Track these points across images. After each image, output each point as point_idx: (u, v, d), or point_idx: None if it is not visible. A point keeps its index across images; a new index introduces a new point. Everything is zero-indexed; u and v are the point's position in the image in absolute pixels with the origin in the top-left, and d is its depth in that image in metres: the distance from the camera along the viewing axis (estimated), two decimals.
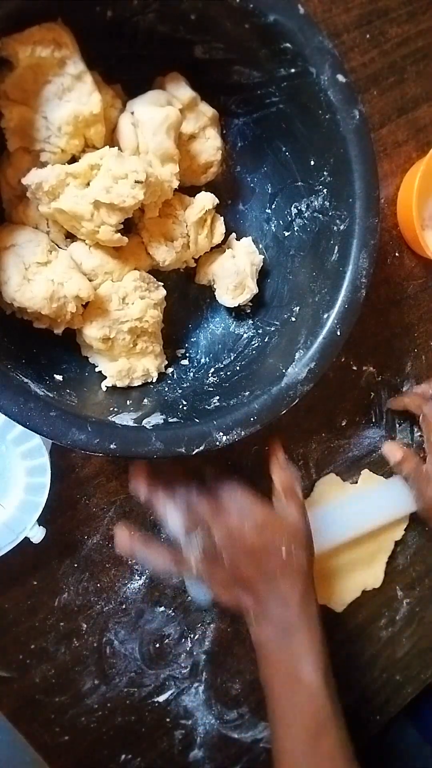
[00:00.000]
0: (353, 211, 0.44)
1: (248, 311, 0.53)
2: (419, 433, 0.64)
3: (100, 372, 0.48)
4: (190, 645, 0.58)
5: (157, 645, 0.57)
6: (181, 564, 0.46)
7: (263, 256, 0.52)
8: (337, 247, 0.46)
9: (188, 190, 0.50)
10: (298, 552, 0.47)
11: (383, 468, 0.63)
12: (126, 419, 0.43)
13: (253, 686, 0.59)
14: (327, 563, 0.61)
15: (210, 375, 0.51)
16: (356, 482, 0.62)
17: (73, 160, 0.44)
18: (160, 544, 0.47)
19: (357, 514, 0.60)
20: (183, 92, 0.47)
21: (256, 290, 0.51)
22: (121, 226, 0.43)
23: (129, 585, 0.56)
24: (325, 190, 0.47)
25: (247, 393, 0.45)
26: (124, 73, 0.46)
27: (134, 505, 0.55)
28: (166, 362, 0.51)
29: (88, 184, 0.42)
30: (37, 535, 0.49)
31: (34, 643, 0.54)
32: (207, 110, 0.48)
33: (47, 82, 0.41)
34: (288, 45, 0.42)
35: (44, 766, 0.54)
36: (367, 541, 0.62)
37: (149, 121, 0.43)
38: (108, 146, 0.43)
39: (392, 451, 0.60)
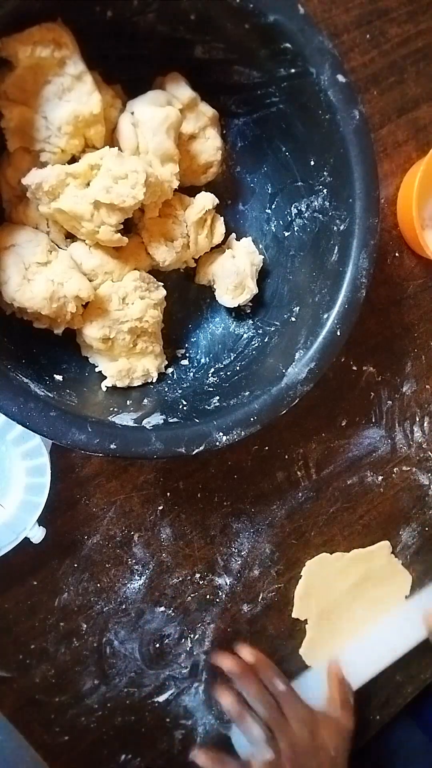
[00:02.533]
0: (353, 211, 0.44)
1: (248, 311, 0.53)
2: (419, 433, 0.65)
3: (100, 372, 0.48)
4: (190, 645, 0.58)
5: (157, 645, 0.57)
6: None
7: (263, 256, 0.52)
8: (337, 247, 0.46)
9: (188, 190, 0.50)
10: (343, 753, 0.55)
11: (383, 468, 0.63)
12: (126, 419, 0.43)
13: None
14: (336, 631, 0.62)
15: (210, 375, 0.51)
16: (347, 551, 0.63)
17: (73, 160, 0.44)
18: (233, 762, 0.54)
19: (378, 652, 0.62)
20: (183, 92, 0.47)
21: (256, 290, 0.51)
22: (121, 226, 0.43)
23: (129, 585, 0.56)
24: (325, 190, 0.47)
25: (247, 393, 0.45)
26: (124, 73, 0.46)
27: (134, 505, 0.55)
28: (166, 362, 0.51)
29: (88, 184, 0.42)
30: (37, 535, 0.49)
31: (34, 643, 0.54)
32: (207, 110, 0.48)
33: (47, 82, 0.41)
34: (288, 45, 0.42)
35: (44, 766, 0.54)
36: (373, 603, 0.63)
37: (149, 121, 0.43)
38: (108, 146, 0.43)
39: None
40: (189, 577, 0.58)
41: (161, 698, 0.57)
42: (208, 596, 0.58)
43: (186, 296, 0.54)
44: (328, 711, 0.56)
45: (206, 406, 0.46)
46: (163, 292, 0.48)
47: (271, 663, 0.57)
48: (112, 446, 0.39)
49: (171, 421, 0.44)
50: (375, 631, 0.62)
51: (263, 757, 0.52)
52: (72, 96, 0.41)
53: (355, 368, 0.62)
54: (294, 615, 0.60)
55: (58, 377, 0.45)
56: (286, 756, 0.52)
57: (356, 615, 0.62)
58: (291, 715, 0.54)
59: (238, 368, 0.50)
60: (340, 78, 0.42)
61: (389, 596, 0.64)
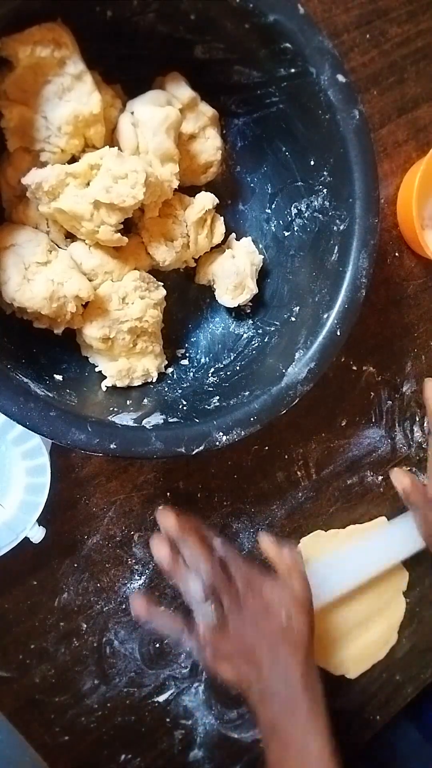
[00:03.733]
0: (353, 211, 0.44)
1: (248, 311, 0.53)
2: (419, 433, 0.65)
3: (100, 372, 0.48)
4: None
5: (157, 645, 0.57)
6: (189, 629, 0.48)
7: (263, 256, 0.52)
8: (337, 247, 0.46)
9: (188, 190, 0.50)
10: (298, 617, 0.49)
11: (383, 468, 0.63)
12: (126, 419, 0.43)
13: None
14: (334, 624, 0.61)
15: (210, 375, 0.51)
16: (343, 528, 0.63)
17: (73, 160, 0.44)
18: (171, 613, 0.50)
19: (351, 564, 0.60)
20: (183, 92, 0.47)
21: (255, 290, 0.51)
22: (121, 226, 0.43)
23: (129, 585, 0.56)
24: (325, 190, 0.47)
25: (247, 393, 0.45)
26: (124, 73, 0.46)
27: (134, 505, 0.55)
28: (166, 362, 0.51)
29: (88, 184, 0.42)
30: (37, 535, 0.49)
31: (34, 643, 0.54)
32: (207, 110, 0.48)
33: (47, 82, 0.41)
34: (288, 45, 0.42)
35: (44, 766, 0.54)
36: (371, 597, 0.62)
37: (149, 121, 0.43)
38: (108, 146, 0.43)
39: (401, 477, 0.59)
40: None
41: (161, 698, 0.57)
42: None
43: (186, 296, 0.54)
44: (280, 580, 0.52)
45: (206, 406, 0.46)
46: (163, 292, 0.48)
47: (209, 529, 0.51)
48: (112, 446, 0.39)
49: (171, 420, 0.44)
50: (354, 546, 0.61)
51: (204, 616, 0.48)
52: (72, 96, 0.41)
53: (355, 368, 0.62)
54: None
55: (58, 377, 0.45)
56: (230, 611, 0.48)
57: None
58: (234, 572, 0.49)
59: (238, 368, 0.50)
60: (340, 78, 0.42)
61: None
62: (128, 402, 0.47)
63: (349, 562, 0.60)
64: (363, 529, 0.63)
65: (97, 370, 0.49)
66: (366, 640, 0.62)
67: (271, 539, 0.54)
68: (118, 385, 0.48)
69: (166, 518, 0.50)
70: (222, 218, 0.51)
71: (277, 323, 0.50)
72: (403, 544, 0.62)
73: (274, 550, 0.53)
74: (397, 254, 0.62)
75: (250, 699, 0.48)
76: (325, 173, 0.46)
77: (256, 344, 0.51)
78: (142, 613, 0.49)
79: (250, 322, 0.53)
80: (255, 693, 0.48)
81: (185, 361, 0.52)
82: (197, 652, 0.48)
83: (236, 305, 0.52)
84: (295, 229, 0.51)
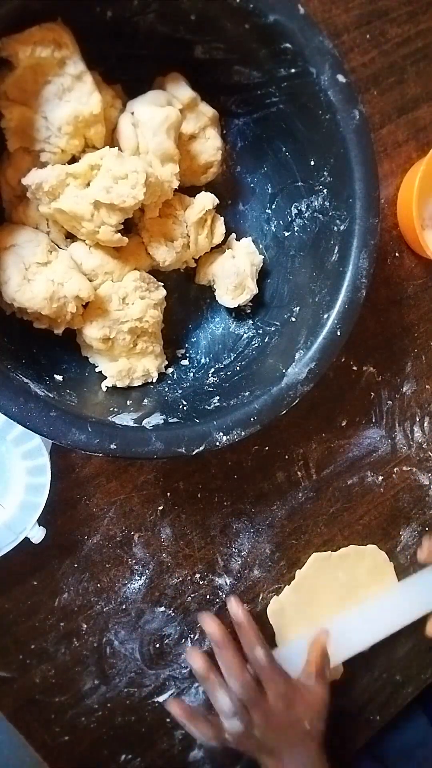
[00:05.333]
0: (353, 212, 0.44)
1: (248, 311, 0.53)
2: (419, 433, 0.65)
3: (100, 372, 0.48)
4: (190, 645, 0.58)
5: (157, 645, 0.57)
6: (220, 735, 0.53)
7: (263, 257, 0.52)
8: (337, 247, 0.46)
9: (188, 190, 0.50)
10: (318, 723, 0.54)
11: (383, 468, 0.63)
12: (126, 419, 0.43)
13: None
14: None
15: (210, 375, 0.51)
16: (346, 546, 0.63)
17: (73, 160, 0.44)
18: (203, 719, 0.53)
19: (364, 631, 0.61)
20: (183, 92, 0.47)
21: (256, 290, 0.51)
22: (121, 226, 0.43)
23: (129, 585, 0.56)
24: (325, 190, 0.47)
25: (247, 393, 0.45)
26: (124, 73, 0.46)
27: (134, 505, 0.55)
28: (166, 362, 0.51)
29: (88, 184, 0.42)
30: (37, 535, 0.49)
31: (34, 643, 0.54)
32: (207, 110, 0.48)
33: (47, 82, 0.41)
34: (288, 45, 0.42)
35: (44, 766, 0.54)
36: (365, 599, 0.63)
37: (149, 121, 0.43)
38: (108, 146, 0.43)
39: (428, 554, 0.62)
40: (189, 577, 0.58)
41: (161, 698, 0.57)
42: (208, 596, 0.58)
43: (186, 296, 0.54)
44: (303, 680, 0.55)
45: (206, 406, 0.46)
46: (163, 292, 0.48)
47: (255, 627, 0.55)
48: (112, 446, 0.39)
49: (171, 421, 0.44)
50: (365, 607, 0.61)
51: (231, 727, 0.52)
52: (72, 96, 0.41)
53: (355, 368, 0.62)
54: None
55: (58, 377, 0.45)
56: (258, 728, 0.51)
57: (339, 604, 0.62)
58: (269, 687, 0.53)
59: (238, 368, 0.50)
60: (340, 78, 0.42)
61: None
62: (128, 402, 0.47)
63: (362, 627, 0.61)
64: (360, 553, 0.62)
65: (97, 370, 0.49)
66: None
67: (322, 647, 0.57)
68: (118, 386, 0.48)
69: (209, 625, 0.54)
70: (222, 218, 0.51)
71: (278, 323, 0.50)
72: (416, 605, 0.62)
73: (317, 652, 0.56)
74: (397, 254, 0.62)
75: None
76: (325, 173, 0.46)
77: (257, 344, 0.51)
78: (178, 718, 0.54)
79: (251, 322, 0.53)
80: None
81: (185, 362, 0.52)
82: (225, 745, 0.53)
83: (236, 305, 0.52)
84: (296, 229, 0.51)
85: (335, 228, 0.46)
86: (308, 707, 0.53)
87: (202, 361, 0.52)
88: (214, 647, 0.54)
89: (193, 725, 0.53)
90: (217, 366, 0.51)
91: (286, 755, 0.52)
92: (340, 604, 0.61)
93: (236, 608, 0.55)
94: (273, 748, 0.52)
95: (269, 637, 0.60)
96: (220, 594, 0.59)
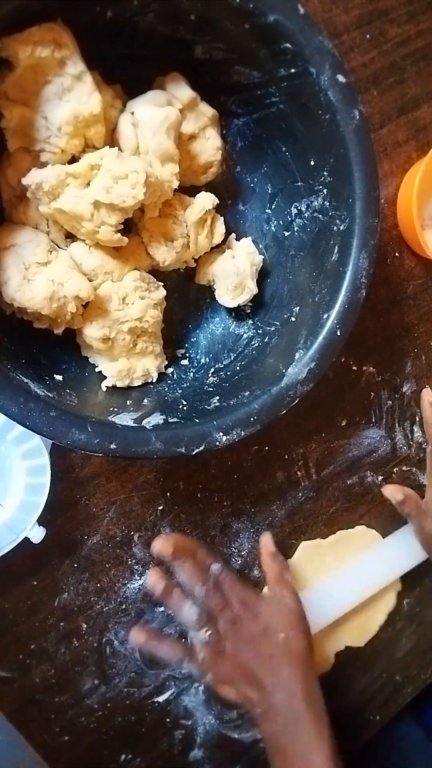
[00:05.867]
0: (353, 211, 0.44)
1: (248, 311, 0.53)
2: (419, 433, 0.65)
3: (100, 372, 0.48)
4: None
5: None
6: (189, 656, 0.49)
7: (263, 257, 0.52)
8: (337, 247, 0.46)
9: (188, 190, 0.50)
10: (296, 635, 0.50)
11: (383, 468, 0.63)
12: (126, 419, 0.43)
13: None
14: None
15: (210, 375, 0.51)
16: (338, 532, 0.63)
17: (73, 160, 0.44)
18: (170, 640, 0.50)
19: (347, 590, 0.60)
20: (183, 92, 0.47)
21: (255, 290, 0.51)
22: (121, 226, 0.43)
23: (129, 585, 0.56)
24: (325, 190, 0.47)
25: (247, 393, 0.45)
26: (124, 73, 0.46)
27: (134, 505, 0.55)
28: (166, 362, 0.51)
29: (88, 184, 0.42)
30: (37, 535, 0.49)
31: (34, 643, 0.54)
32: (207, 110, 0.48)
33: (47, 82, 0.41)
34: (288, 45, 0.42)
35: (44, 766, 0.54)
36: (359, 610, 0.62)
37: (149, 121, 0.43)
38: (108, 146, 0.43)
39: (393, 492, 0.59)
40: None
41: (161, 698, 0.57)
42: None
43: (186, 296, 0.54)
44: (267, 593, 0.53)
45: (206, 406, 0.46)
46: (163, 292, 0.48)
47: (203, 546, 0.52)
48: (112, 446, 0.39)
49: (171, 421, 0.44)
50: (348, 568, 0.61)
51: (199, 638, 0.48)
52: (72, 96, 0.41)
53: (355, 368, 0.62)
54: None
55: (58, 377, 0.45)
56: (227, 635, 0.48)
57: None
58: (231, 596, 0.50)
59: (238, 368, 0.50)
60: (340, 78, 0.42)
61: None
62: (128, 402, 0.47)
63: (345, 586, 0.60)
64: (349, 536, 0.62)
65: (97, 370, 0.49)
66: (361, 610, 0.62)
67: (271, 546, 0.55)
68: (118, 386, 0.48)
69: (163, 543, 0.50)
70: (222, 218, 0.51)
71: (277, 323, 0.50)
72: (397, 562, 0.62)
73: (268, 557, 0.54)
74: (397, 254, 0.62)
75: (254, 717, 0.49)
76: (325, 173, 0.46)
77: (256, 344, 0.51)
78: (140, 643, 0.50)
79: (250, 322, 0.53)
80: (258, 712, 0.48)
81: (185, 361, 0.52)
82: (199, 676, 0.49)
83: (236, 305, 0.52)
84: (295, 229, 0.51)
85: (335, 228, 0.46)
86: (277, 616, 0.50)
87: (202, 361, 0.52)
88: (171, 564, 0.50)
89: (161, 647, 0.50)
90: (217, 366, 0.51)
91: (267, 678, 0.48)
92: (342, 607, 0.61)
93: (171, 539, 0.50)
94: (251, 672, 0.48)
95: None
96: None
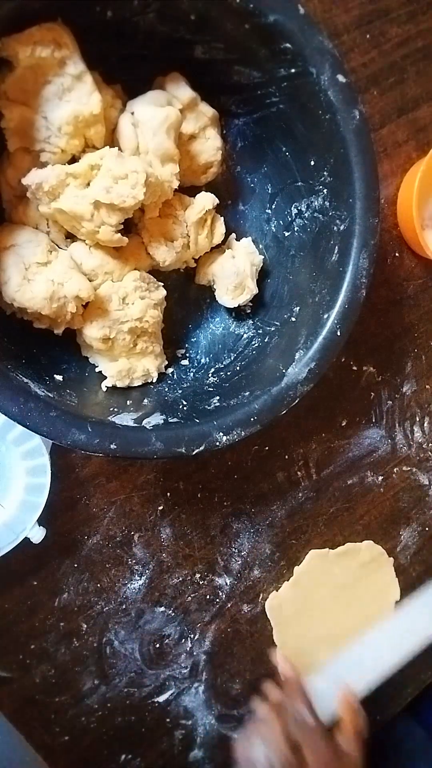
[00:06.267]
0: (353, 211, 0.44)
1: (248, 311, 0.53)
2: (419, 433, 0.65)
3: (100, 372, 0.48)
4: (190, 645, 0.58)
5: (157, 645, 0.57)
6: None
7: (263, 257, 0.52)
8: (337, 247, 0.46)
9: (188, 190, 0.50)
10: None
11: (383, 468, 0.63)
12: (126, 419, 0.43)
13: (252, 686, 0.59)
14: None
15: (210, 375, 0.51)
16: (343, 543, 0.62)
17: (73, 160, 0.44)
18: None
19: (371, 663, 0.58)
20: (183, 92, 0.47)
21: (255, 290, 0.51)
22: (121, 226, 0.43)
23: (129, 585, 0.56)
24: (325, 190, 0.47)
25: (247, 393, 0.45)
26: (124, 73, 0.46)
27: (134, 505, 0.55)
28: (166, 362, 0.51)
29: (88, 184, 0.42)
30: (37, 535, 0.49)
31: (34, 643, 0.54)
32: (207, 110, 0.48)
33: (47, 82, 0.41)
34: (288, 45, 0.42)
35: (44, 766, 0.54)
36: (365, 605, 0.62)
37: (149, 121, 0.43)
38: (108, 146, 0.43)
39: None
40: (189, 577, 0.57)
41: (161, 698, 0.57)
42: (208, 596, 0.58)
43: (186, 296, 0.54)
44: (340, 742, 0.54)
45: (206, 406, 0.46)
46: (163, 292, 0.48)
47: (302, 685, 0.54)
48: (112, 446, 0.39)
49: (171, 421, 0.44)
50: (365, 642, 0.58)
51: None
52: (72, 96, 0.41)
53: (355, 368, 0.62)
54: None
55: (58, 377, 0.45)
56: None
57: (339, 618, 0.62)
58: (310, 753, 0.52)
59: (238, 368, 0.50)
60: (340, 78, 0.42)
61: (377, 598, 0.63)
62: (128, 402, 0.47)
63: (363, 666, 0.58)
64: (356, 549, 0.62)
65: (97, 370, 0.49)
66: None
67: (355, 703, 0.56)
68: (118, 386, 0.48)
69: (285, 665, 0.54)
70: (222, 218, 0.51)
71: (277, 323, 0.50)
72: (414, 635, 0.59)
73: (350, 710, 0.55)
74: (397, 254, 0.62)
75: None
76: (325, 173, 0.46)
77: (256, 344, 0.51)
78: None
79: (250, 322, 0.53)
80: None
81: (185, 362, 0.52)
82: None
83: (236, 305, 0.52)
84: (296, 229, 0.51)
85: (335, 228, 0.46)
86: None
87: (202, 361, 0.52)
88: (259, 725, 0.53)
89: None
90: (217, 366, 0.51)
91: None
92: (338, 601, 0.61)
93: (287, 669, 0.55)
94: None
95: (268, 632, 0.60)
96: (220, 594, 0.59)
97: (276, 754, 0.51)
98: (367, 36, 0.59)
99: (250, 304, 0.52)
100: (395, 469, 0.64)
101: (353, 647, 0.58)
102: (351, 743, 0.54)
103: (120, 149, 0.44)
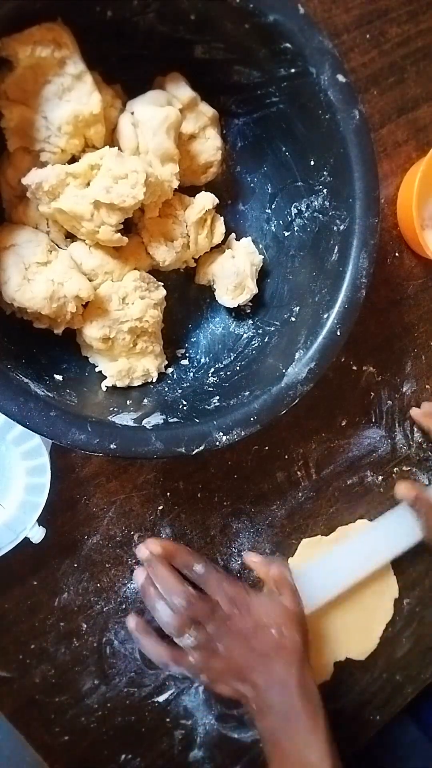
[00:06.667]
0: (353, 211, 0.44)
1: (248, 311, 0.53)
2: (419, 433, 0.65)
3: (100, 372, 0.48)
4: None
5: None
6: (180, 659, 0.48)
7: (263, 256, 0.52)
8: (337, 247, 0.46)
9: (188, 190, 0.50)
10: (291, 633, 0.49)
11: (383, 468, 0.63)
12: (126, 419, 0.43)
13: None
14: (318, 627, 0.60)
15: (210, 375, 0.51)
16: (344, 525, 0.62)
17: (73, 160, 0.44)
18: (159, 640, 0.50)
19: (342, 568, 0.59)
20: (183, 92, 0.47)
21: (255, 290, 0.51)
22: (121, 226, 0.43)
23: (129, 585, 0.56)
24: (325, 190, 0.47)
25: (247, 393, 0.45)
26: (124, 73, 0.46)
27: (134, 505, 0.55)
28: (166, 362, 0.51)
29: (88, 184, 0.42)
30: (37, 535, 0.49)
31: (34, 643, 0.54)
32: (207, 110, 0.48)
33: (47, 82, 0.41)
34: (288, 45, 0.42)
35: (44, 766, 0.54)
36: (363, 601, 0.62)
37: (149, 121, 0.43)
38: (108, 146, 0.43)
39: (405, 492, 0.60)
40: None
41: (161, 698, 0.57)
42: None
43: (186, 296, 0.54)
44: (268, 595, 0.52)
45: (206, 406, 0.46)
46: (163, 292, 0.48)
47: (187, 548, 0.52)
48: (112, 446, 0.39)
49: (171, 421, 0.44)
50: (340, 549, 0.60)
51: (183, 643, 0.48)
52: (72, 96, 0.41)
53: (355, 368, 0.62)
54: None
55: (58, 377, 0.45)
56: (218, 634, 0.47)
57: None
58: (217, 594, 0.49)
59: (238, 368, 0.50)
60: (340, 78, 0.42)
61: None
62: (128, 402, 0.47)
63: (336, 567, 0.60)
64: (349, 531, 0.62)
65: (97, 370, 0.49)
66: (362, 622, 0.62)
67: (257, 557, 0.55)
68: (118, 385, 0.48)
69: (141, 549, 0.51)
70: (222, 218, 0.51)
71: (277, 323, 0.50)
72: (389, 544, 0.61)
73: (262, 566, 0.54)
74: (397, 254, 0.62)
75: (251, 714, 0.49)
76: (325, 173, 0.46)
77: (256, 344, 0.51)
78: (131, 631, 0.52)
79: (250, 322, 0.53)
80: (254, 708, 0.48)
81: (185, 361, 0.52)
82: (193, 677, 0.49)
83: (236, 305, 0.52)
84: (295, 229, 0.51)
85: (335, 228, 0.46)
86: (270, 612, 0.49)
87: (202, 360, 0.52)
88: (147, 569, 0.50)
89: (146, 642, 0.50)
90: (217, 366, 0.51)
91: (260, 674, 0.47)
92: (335, 587, 0.61)
93: (156, 543, 0.51)
94: (243, 669, 0.48)
95: None
96: None
97: (174, 593, 0.48)
98: (367, 36, 0.59)
99: (250, 304, 0.52)
100: (395, 469, 0.64)
101: (318, 560, 0.59)
102: (276, 592, 0.51)
103: (120, 149, 0.44)
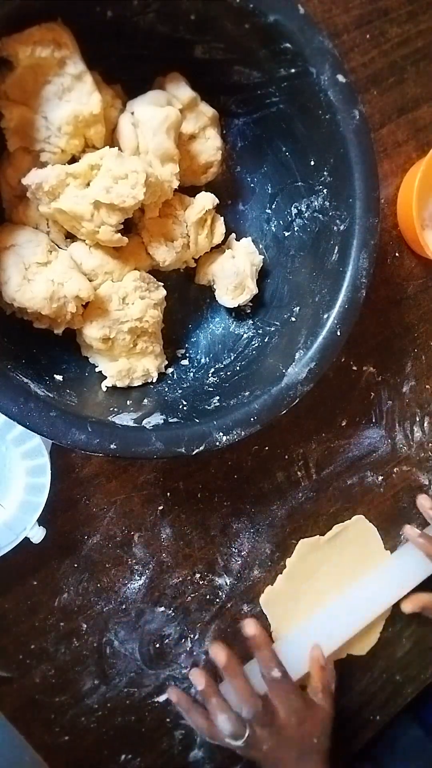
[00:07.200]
0: (353, 211, 0.44)
1: (248, 311, 0.53)
2: (419, 433, 0.65)
3: (100, 372, 0.48)
4: (190, 645, 0.58)
5: (157, 645, 0.57)
6: (217, 735, 0.53)
7: (263, 257, 0.52)
8: (337, 247, 0.46)
9: (188, 190, 0.50)
10: (324, 739, 0.55)
11: (383, 468, 0.63)
12: (126, 419, 0.43)
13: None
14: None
15: (210, 375, 0.51)
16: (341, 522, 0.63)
17: (73, 160, 0.44)
18: (206, 715, 0.54)
19: (356, 611, 0.61)
20: (183, 92, 0.47)
21: (255, 291, 0.51)
22: (121, 226, 0.43)
23: (129, 585, 0.56)
24: (325, 190, 0.47)
25: (247, 393, 0.45)
26: (124, 73, 0.46)
27: (134, 505, 0.55)
28: (166, 362, 0.51)
29: (88, 184, 0.42)
30: (37, 535, 0.49)
31: (34, 643, 0.54)
32: (207, 110, 0.48)
33: (47, 82, 0.41)
34: (288, 45, 0.42)
35: (44, 766, 0.54)
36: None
37: (149, 121, 0.43)
38: (108, 146, 0.43)
39: (425, 504, 0.63)
40: (189, 577, 0.58)
41: (161, 698, 0.57)
42: (208, 596, 0.58)
43: (186, 296, 0.54)
44: (309, 695, 0.56)
45: (206, 406, 0.46)
46: (163, 292, 0.48)
47: (271, 647, 0.56)
48: (112, 446, 0.39)
49: (171, 421, 0.44)
50: (349, 593, 0.61)
51: (233, 745, 0.52)
52: (72, 96, 0.41)
53: (355, 368, 0.62)
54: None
55: (58, 377, 0.45)
56: (267, 742, 0.52)
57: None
58: (282, 704, 0.53)
59: (238, 368, 0.50)
60: (340, 78, 0.42)
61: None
62: (128, 402, 0.47)
63: (353, 607, 0.61)
64: (345, 529, 0.62)
65: (97, 370, 0.49)
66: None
67: (322, 660, 0.57)
68: (118, 386, 0.48)
69: (219, 654, 0.55)
70: (222, 218, 0.51)
71: (277, 323, 0.50)
72: (404, 580, 0.62)
73: (318, 667, 0.57)
74: (397, 254, 0.62)
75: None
76: (325, 173, 0.46)
77: (256, 344, 0.51)
78: (178, 705, 0.56)
79: (250, 322, 0.53)
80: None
81: (185, 361, 0.52)
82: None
83: (236, 305, 0.52)
84: (295, 229, 0.51)
85: (335, 228, 0.46)
86: (317, 723, 0.54)
87: (202, 361, 0.52)
88: (224, 675, 0.55)
89: (196, 717, 0.54)
90: (217, 366, 0.51)
91: (291, 765, 0.53)
92: (335, 585, 0.61)
93: (253, 629, 0.56)
94: (278, 760, 0.53)
95: (266, 629, 0.60)
96: (220, 594, 0.59)
97: (246, 705, 0.52)
98: (367, 36, 0.59)
99: (250, 304, 0.52)
100: (395, 469, 0.64)
101: (331, 604, 0.60)
102: (319, 696, 0.56)
103: (120, 149, 0.44)
